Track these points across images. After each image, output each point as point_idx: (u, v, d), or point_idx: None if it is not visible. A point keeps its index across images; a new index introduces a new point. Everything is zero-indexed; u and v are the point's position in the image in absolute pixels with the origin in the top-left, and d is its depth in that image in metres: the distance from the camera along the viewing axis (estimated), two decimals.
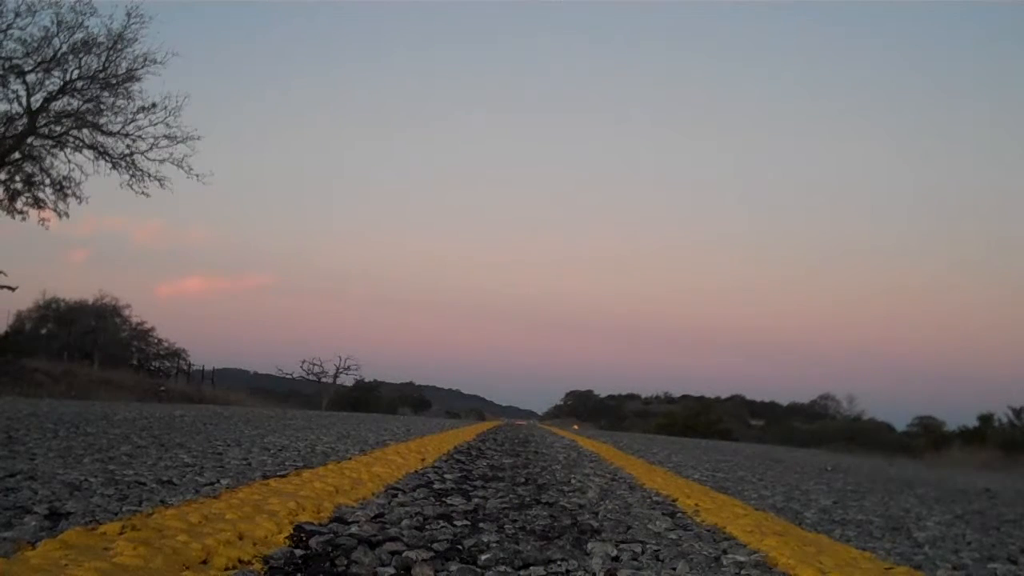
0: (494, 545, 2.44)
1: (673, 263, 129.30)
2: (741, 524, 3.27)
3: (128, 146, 20.16)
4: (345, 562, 2.07)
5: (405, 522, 2.68)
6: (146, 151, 20.22)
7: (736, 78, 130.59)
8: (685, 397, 69.06)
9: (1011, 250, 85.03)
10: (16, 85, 19.01)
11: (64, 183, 20.44)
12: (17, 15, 18.25)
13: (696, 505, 3.91)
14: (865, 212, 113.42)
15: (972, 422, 28.04)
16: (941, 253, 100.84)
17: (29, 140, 19.78)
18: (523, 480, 4.65)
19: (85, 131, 20.01)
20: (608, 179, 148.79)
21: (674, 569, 2.31)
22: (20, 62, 18.75)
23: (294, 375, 45.73)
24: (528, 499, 3.68)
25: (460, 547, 2.37)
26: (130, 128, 20.04)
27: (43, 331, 31.02)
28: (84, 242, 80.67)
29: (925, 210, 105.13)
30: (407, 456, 5.59)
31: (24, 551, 1.75)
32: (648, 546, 2.62)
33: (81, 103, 19.77)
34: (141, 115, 19.96)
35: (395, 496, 3.34)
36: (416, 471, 4.57)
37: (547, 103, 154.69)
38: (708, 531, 3.10)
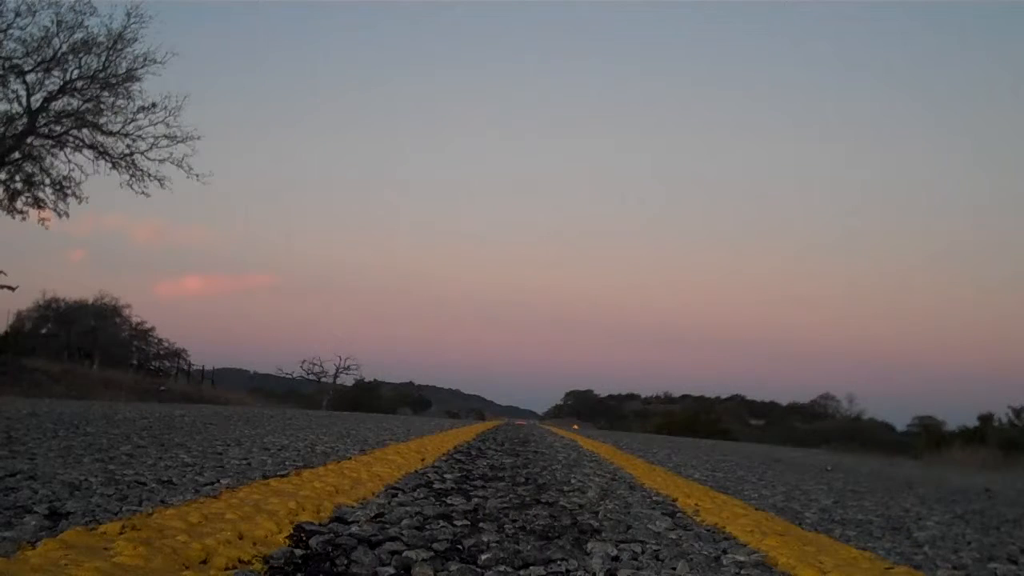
0: (494, 545, 2.44)
1: (673, 263, 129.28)
2: (741, 524, 3.27)
3: (128, 146, 20.19)
4: (345, 562, 2.07)
5: (405, 522, 2.68)
6: (146, 151, 20.25)
7: (723, 81, 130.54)
8: (685, 397, 69.20)
9: (1012, 250, 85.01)
10: (16, 85, 19.04)
11: (64, 183, 20.47)
12: (17, 15, 18.26)
13: (696, 505, 3.90)
14: (865, 211, 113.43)
15: (972, 422, 28.01)
16: (942, 253, 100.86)
17: (29, 140, 19.78)
18: (523, 480, 4.65)
19: (85, 131, 20.03)
20: (607, 180, 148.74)
21: (674, 569, 2.30)
22: (20, 62, 18.76)
23: (294, 375, 45.78)
24: (528, 499, 3.68)
25: (460, 547, 2.37)
26: (130, 128, 20.07)
27: (43, 331, 31.03)
28: (83, 242, 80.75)
29: (926, 210, 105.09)
30: (407, 456, 5.59)
31: (24, 551, 1.75)
32: (648, 546, 2.62)
33: (81, 103, 19.79)
34: (141, 115, 20.00)
35: (395, 496, 3.34)
36: (416, 471, 4.57)
37: (552, 110, 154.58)
38: (708, 531, 3.09)
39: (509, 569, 2.15)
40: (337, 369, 45.35)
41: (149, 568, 1.71)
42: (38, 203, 20.53)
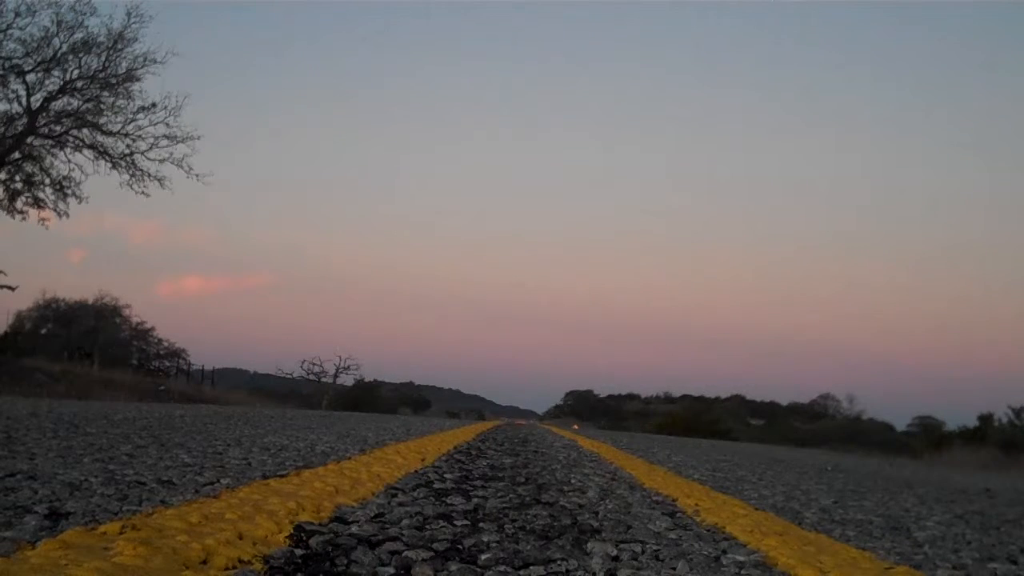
0: (494, 545, 2.44)
1: (673, 263, 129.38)
2: (741, 524, 3.27)
3: (128, 146, 20.24)
4: (345, 562, 2.07)
5: (405, 522, 2.68)
6: (146, 151, 20.30)
7: (727, 82, 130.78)
8: (685, 397, 69.25)
9: (1013, 250, 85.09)
10: (16, 85, 19.08)
11: (64, 183, 20.52)
12: (17, 15, 18.30)
13: (696, 505, 3.90)
14: (865, 211, 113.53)
15: (972, 422, 28.08)
16: (942, 253, 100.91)
17: (29, 140, 19.81)
18: (523, 480, 4.65)
19: (85, 131, 20.06)
20: (606, 180, 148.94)
21: (674, 569, 2.30)
22: (20, 62, 18.79)
23: (294, 375, 45.72)
24: (528, 499, 3.68)
25: (460, 547, 2.37)
26: (130, 128, 20.12)
27: (43, 331, 31.06)
28: (83, 242, 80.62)
29: (927, 210, 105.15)
30: (407, 456, 5.59)
31: (24, 551, 1.75)
32: (648, 546, 2.62)
33: (81, 103, 19.82)
34: (141, 115, 20.05)
35: (395, 496, 3.34)
36: (416, 471, 4.57)
37: (553, 110, 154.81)
38: (708, 531, 3.10)
39: (509, 569, 2.15)
40: (337, 369, 45.31)
41: (149, 568, 1.71)
42: (38, 203, 20.59)
